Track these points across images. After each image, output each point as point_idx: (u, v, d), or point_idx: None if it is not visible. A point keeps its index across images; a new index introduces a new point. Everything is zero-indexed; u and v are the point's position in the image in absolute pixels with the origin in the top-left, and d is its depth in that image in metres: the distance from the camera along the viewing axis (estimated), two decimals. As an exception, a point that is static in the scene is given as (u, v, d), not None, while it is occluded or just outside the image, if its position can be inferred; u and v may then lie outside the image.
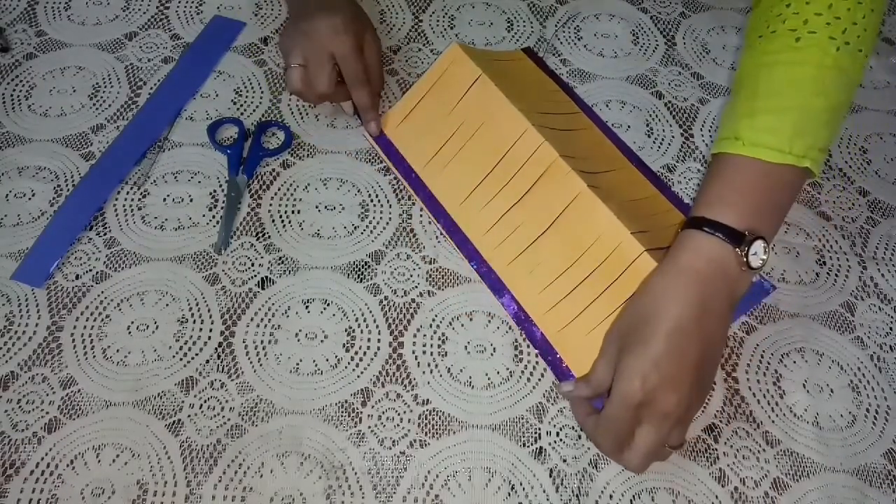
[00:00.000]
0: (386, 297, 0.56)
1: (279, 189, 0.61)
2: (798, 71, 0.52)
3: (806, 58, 0.52)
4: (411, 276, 0.57)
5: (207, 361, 0.52)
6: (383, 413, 0.51)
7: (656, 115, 0.69)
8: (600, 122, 0.67)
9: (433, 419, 0.51)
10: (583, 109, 0.67)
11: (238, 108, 0.66)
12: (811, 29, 0.52)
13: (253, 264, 0.57)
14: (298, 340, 0.54)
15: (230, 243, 0.58)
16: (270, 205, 0.60)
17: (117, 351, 0.52)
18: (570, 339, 0.54)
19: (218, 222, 0.59)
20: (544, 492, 0.49)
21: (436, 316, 0.56)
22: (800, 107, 0.51)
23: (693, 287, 0.47)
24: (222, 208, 0.59)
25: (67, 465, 0.47)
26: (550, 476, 0.50)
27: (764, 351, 0.56)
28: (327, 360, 0.53)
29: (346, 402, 0.51)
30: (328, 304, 0.55)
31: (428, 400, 0.52)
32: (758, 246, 0.49)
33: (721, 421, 0.53)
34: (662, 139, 0.67)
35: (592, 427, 0.48)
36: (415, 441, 0.50)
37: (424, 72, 0.64)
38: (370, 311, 0.55)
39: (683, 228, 0.51)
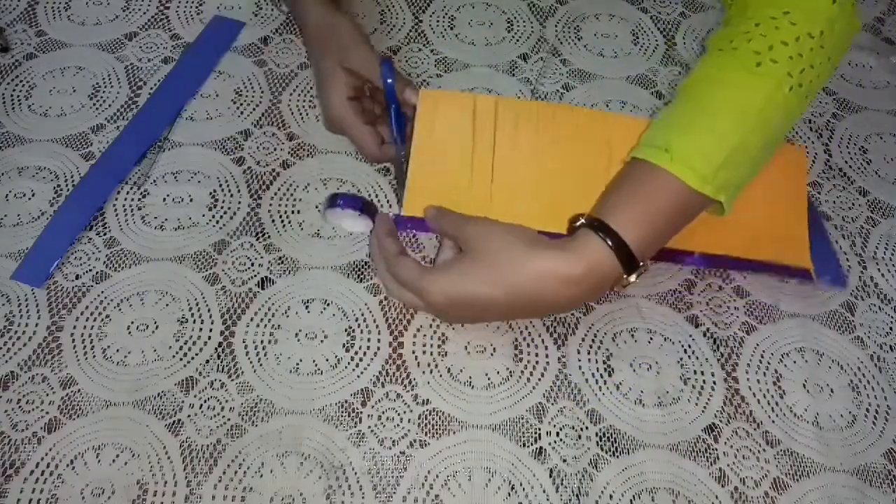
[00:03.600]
0: (386, 297, 0.56)
1: (279, 189, 0.61)
2: (747, 98, 0.50)
3: (759, 86, 0.50)
4: (411, 276, 0.57)
5: (207, 361, 0.52)
6: (383, 413, 0.51)
7: (656, 115, 0.69)
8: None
9: (433, 419, 0.51)
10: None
11: (238, 108, 0.66)
12: (774, 58, 0.50)
13: (253, 264, 0.57)
14: (298, 340, 0.54)
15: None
16: (270, 205, 0.60)
17: (117, 351, 0.52)
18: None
19: (218, 222, 0.59)
20: (544, 492, 0.49)
21: (436, 316, 0.56)
22: (739, 138, 0.49)
23: (554, 283, 0.47)
24: (222, 208, 0.59)
25: (67, 465, 0.47)
26: (550, 476, 0.50)
27: (764, 351, 0.56)
28: (327, 360, 0.53)
29: (346, 402, 0.51)
30: (328, 304, 0.55)
31: (428, 400, 0.52)
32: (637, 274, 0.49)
33: (721, 421, 0.53)
34: (662, 139, 0.67)
35: (385, 264, 0.53)
36: (415, 441, 0.50)
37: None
38: (370, 311, 0.55)
39: (580, 226, 0.49)
